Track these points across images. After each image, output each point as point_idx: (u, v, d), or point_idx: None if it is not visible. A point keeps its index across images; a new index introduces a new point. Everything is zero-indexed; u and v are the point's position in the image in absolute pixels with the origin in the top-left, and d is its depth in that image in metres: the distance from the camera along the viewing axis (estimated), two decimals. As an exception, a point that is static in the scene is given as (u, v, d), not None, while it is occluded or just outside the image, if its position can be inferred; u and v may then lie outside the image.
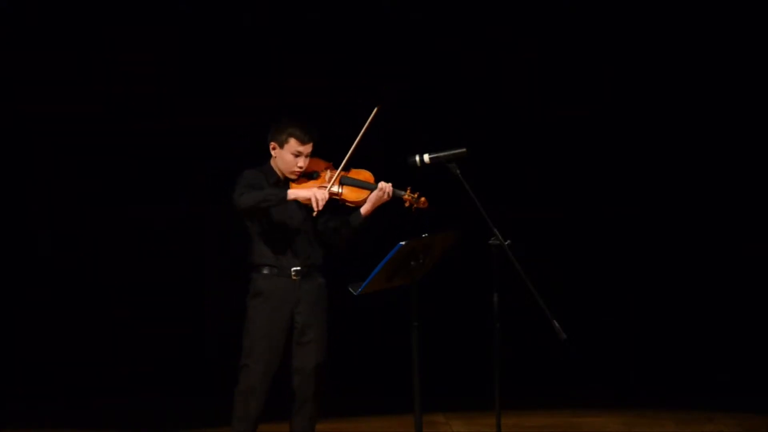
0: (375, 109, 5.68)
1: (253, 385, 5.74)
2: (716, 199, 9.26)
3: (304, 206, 5.73)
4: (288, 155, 5.76)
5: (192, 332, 9.00)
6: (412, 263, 5.26)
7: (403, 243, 5.15)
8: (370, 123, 5.67)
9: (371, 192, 5.71)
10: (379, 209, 5.80)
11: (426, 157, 5.33)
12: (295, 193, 5.64)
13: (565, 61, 9.27)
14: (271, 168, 5.85)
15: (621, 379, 9.18)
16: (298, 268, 5.78)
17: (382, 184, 5.71)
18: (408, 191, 5.70)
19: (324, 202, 5.59)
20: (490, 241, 5.23)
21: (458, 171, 5.29)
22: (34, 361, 8.84)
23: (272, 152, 5.82)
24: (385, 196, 5.71)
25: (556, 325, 5.16)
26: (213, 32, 8.93)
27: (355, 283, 5.26)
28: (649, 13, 9.19)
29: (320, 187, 5.69)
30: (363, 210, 5.76)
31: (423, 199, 5.69)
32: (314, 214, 5.63)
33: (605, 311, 9.33)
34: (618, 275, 9.36)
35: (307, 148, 5.77)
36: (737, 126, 9.23)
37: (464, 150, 5.32)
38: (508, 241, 5.21)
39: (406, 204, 5.70)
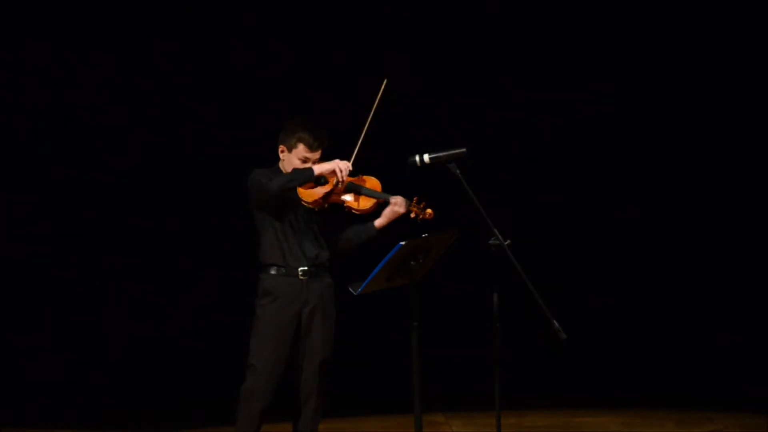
0: (384, 83, 5.60)
1: (259, 386, 5.71)
2: (716, 200, 9.26)
3: (311, 208, 5.67)
4: (296, 160, 5.65)
5: (193, 332, 8.99)
6: (412, 263, 5.25)
7: (403, 243, 5.15)
8: (379, 100, 5.58)
9: (377, 200, 5.64)
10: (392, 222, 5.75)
11: (426, 157, 5.31)
12: (319, 168, 5.55)
13: (567, 61, 9.28)
14: (279, 170, 5.73)
15: (621, 379, 9.18)
16: (305, 268, 5.73)
17: (396, 199, 5.64)
18: (414, 202, 5.65)
19: (347, 172, 5.53)
20: (490, 241, 5.22)
21: (458, 171, 5.27)
22: (34, 360, 8.83)
23: (280, 155, 5.71)
24: (400, 210, 5.65)
25: (556, 324, 5.15)
26: (212, 32, 8.94)
27: (355, 283, 5.26)
28: (648, 14, 9.20)
29: (333, 183, 5.61)
30: (377, 223, 5.71)
31: (429, 210, 5.61)
32: (340, 186, 5.53)
33: (604, 311, 9.33)
34: (617, 274, 9.36)
35: (316, 155, 5.65)
36: (737, 126, 9.24)
37: (464, 150, 5.30)
38: (508, 241, 5.20)
39: (412, 215, 5.64)
